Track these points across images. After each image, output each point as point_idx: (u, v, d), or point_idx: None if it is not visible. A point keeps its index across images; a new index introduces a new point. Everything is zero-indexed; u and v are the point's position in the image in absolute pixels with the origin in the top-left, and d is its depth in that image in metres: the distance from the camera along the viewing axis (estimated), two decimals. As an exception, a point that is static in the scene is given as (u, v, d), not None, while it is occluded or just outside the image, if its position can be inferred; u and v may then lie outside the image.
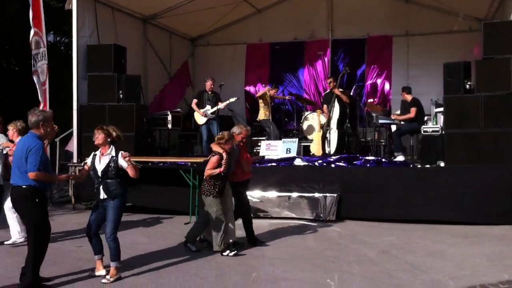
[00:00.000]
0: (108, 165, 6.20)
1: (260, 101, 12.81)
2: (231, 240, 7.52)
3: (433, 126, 11.14)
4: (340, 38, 15.74)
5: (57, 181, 5.75)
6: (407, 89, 11.93)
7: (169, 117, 13.34)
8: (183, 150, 14.22)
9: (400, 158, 11.12)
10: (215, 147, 7.49)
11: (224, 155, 7.30)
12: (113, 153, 6.25)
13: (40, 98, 11.42)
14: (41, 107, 11.12)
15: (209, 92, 12.42)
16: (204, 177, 7.43)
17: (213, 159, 7.33)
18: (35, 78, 11.39)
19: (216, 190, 7.32)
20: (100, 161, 6.26)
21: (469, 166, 9.63)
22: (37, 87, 11.40)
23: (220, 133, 7.65)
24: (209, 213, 7.34)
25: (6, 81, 20.07)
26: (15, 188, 5.87)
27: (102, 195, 6.21)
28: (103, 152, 6.28)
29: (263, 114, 12.71)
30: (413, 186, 9.61)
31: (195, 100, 12.57)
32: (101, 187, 6.20)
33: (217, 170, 7.23)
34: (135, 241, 8.14)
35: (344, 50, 15.77)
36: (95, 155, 6.33)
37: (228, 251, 7.26)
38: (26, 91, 19.79)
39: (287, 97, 14.30)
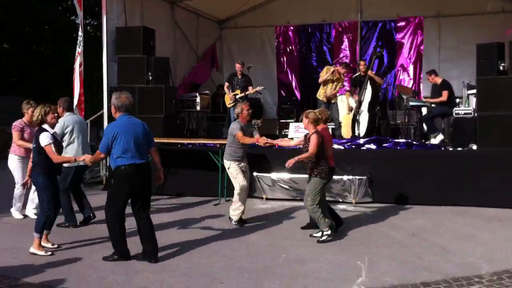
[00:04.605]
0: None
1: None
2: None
3: (465, 108, 10.98)
4: (370, 19, 15.51)
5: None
6: (434, 72, 11.65)
7: (198, 99, 13.38)
8: (212, 132, 14.31)
9: (439, 137, 10.99)
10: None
11: None
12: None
13: (76, 82, 11.45)
14: (76, 91, 11.22)
15: (239, 76, 12.38)
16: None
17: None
18: (77, 62, 11.48)
19: None
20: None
21: (501, 149, 9.47)
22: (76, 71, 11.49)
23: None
24: None
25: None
26: None
27: None
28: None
29: (321, 94, 11.86)
30: (444, 169, 9.48)
31: (226, 84, 12.60)
32: None
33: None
34: (167, 223, 8.16)
35: (373, 32, 15.53)
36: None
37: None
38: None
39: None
